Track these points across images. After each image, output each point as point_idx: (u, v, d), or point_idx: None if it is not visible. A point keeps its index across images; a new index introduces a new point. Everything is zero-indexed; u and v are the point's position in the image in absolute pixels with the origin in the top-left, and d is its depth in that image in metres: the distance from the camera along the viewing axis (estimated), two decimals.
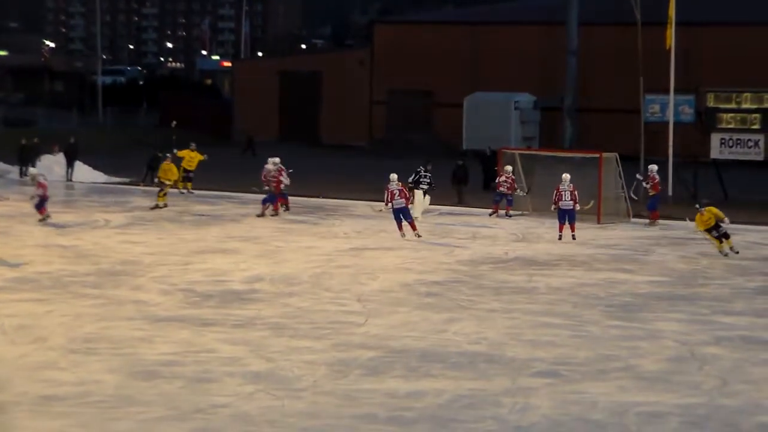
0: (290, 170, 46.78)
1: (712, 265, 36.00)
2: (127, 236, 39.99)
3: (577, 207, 42.33)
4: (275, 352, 23.55)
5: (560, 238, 41.49)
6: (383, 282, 31.06)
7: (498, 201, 47.31)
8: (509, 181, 47.11)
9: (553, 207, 43.07)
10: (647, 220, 44.69)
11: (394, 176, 41.51)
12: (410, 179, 46.30)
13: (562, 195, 42.42)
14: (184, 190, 53.69)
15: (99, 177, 59.31)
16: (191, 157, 54.62)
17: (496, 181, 47.96)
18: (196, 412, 19.18)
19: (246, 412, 19.26)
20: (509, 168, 47.14)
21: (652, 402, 20.28)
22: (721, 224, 36.95)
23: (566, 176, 43.22)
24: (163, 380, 21.21)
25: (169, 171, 49.30)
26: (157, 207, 47.46)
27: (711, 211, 37.12)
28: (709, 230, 37.17)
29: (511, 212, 47.17)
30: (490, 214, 46.97)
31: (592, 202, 44.29)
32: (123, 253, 36.00)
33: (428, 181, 46.69)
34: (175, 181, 50.99)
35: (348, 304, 28.48)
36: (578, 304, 29.39)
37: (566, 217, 41.80)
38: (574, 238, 41.33)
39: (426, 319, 27.07)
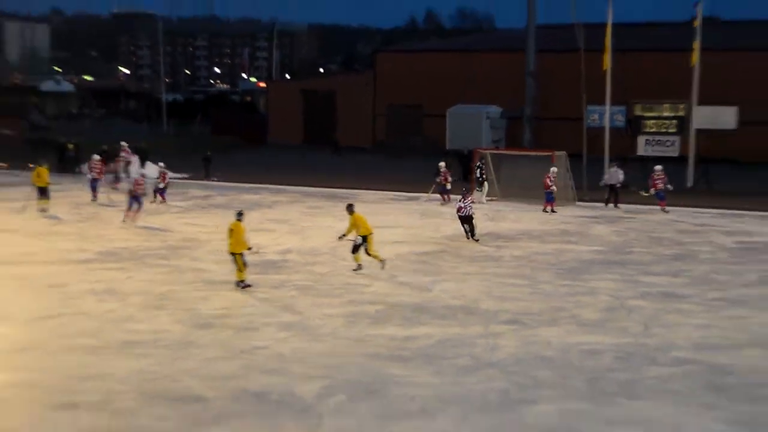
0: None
1: (638, 238, 36.18)
2: (187, 219, 40.10)
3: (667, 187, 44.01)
4: (302, 307, 23.79)
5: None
6: (385, 253, 31.15)
7: (550, 200, 43.99)
8: (553, 180, 44.43)
9: (651, 191, 44.25)
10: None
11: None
12: (478, 175, 47.36)
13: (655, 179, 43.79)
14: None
15: None
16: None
17: (547, 181, 44.22)
18: (242, 353, 19.54)
19: (280, 352, 19.60)
20: (554, 169, 44.83)
21: (591, 342, 20.55)
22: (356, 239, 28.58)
23: (658, 167, 44.30)
24: (216, 329, 21.52)
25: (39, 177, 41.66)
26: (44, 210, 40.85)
27: (358, 219, 28.67)
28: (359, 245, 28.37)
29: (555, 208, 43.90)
30: (544, 210, 43.70)
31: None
32: (184, 232, 36.26)
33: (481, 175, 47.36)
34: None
35: (358, 271, 28.69)
36: (535, 268, 29.58)
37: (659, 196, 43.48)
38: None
39: (418, 280, 27.28)
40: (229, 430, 15.19)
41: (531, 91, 66.57)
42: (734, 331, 21.85)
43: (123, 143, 56.32)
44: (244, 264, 26.06)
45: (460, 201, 34.80)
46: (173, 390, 17.08)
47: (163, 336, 20.89)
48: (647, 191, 43.57)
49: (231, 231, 26.22)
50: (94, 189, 45.37)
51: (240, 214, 26.76)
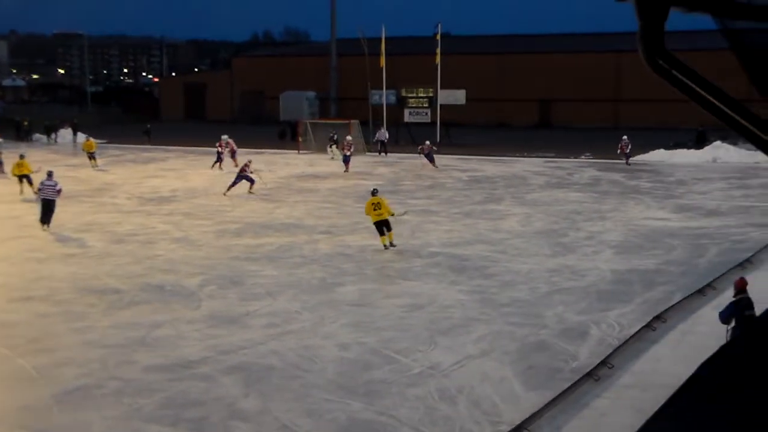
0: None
1: (407, 177, 36.29)
2: (107, 171, 38.31)
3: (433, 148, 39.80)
4: (186, 227, 23.07)
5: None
6: (241, 190, 30.55)
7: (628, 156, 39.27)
8: (626, 144, 39.12)
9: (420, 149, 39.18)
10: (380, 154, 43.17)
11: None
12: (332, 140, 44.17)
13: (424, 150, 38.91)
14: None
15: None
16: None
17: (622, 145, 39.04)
18: (146, 259, 18.74)
19: (172, 258, 18.88)
20: (626, 138, 39.34)
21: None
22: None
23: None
24: (127, 243, 20.64)
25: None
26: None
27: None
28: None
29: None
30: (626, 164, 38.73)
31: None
32: (104, 180, 34.64)
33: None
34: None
35: (223, 202, 27.99)
36: (340, 197, 29.32)
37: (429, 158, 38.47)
38: None
39: (264, 207, 26.81)
40: (139, 311, 14.55)
41: (335, 81, 65.96)
42: (468, 234, 22.09)
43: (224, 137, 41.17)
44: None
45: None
46: (98, 285, 16.31)
47: (90, 249, 19.96)
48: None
49: (377, 204, 19.91)
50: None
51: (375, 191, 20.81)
